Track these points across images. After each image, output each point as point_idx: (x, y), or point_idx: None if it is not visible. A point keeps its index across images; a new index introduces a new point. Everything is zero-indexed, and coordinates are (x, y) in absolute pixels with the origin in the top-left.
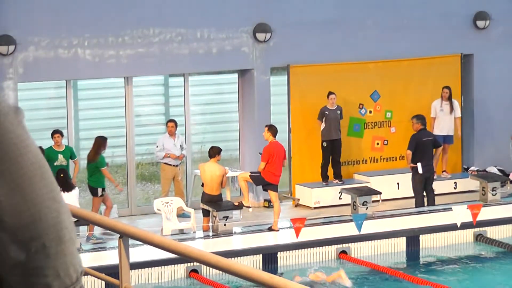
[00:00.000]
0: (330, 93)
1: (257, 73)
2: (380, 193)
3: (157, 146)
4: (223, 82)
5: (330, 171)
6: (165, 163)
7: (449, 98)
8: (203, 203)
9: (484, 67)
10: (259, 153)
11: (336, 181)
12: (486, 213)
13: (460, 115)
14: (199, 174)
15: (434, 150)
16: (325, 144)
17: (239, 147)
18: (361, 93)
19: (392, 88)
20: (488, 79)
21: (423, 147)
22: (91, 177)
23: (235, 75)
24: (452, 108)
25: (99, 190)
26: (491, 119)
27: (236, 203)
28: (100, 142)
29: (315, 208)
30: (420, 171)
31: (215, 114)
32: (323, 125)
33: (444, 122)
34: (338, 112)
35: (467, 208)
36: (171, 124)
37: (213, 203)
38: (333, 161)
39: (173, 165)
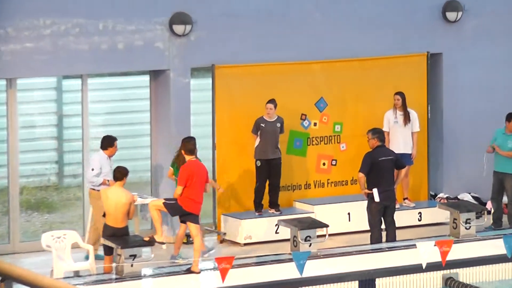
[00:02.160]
0: (268, 101)
1: (174, 74)
2: (327, 226)
3: (92, 169)
4: (131, 86)
5: (266, 198)
6: (93, 188)
7: (404, 107)
8: (105, 238)
9: (455, 68)
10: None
11: (272, 210)
12: (458, 251)
13: (418, 129)
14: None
15: (397, 172)
16: (259, 163)
17: (150, 168)
18: (303, 100)
19: (342, 95)
20: (460, 83)
21: (380, 168)
22: None
23: (147, 77)
24: (408, 120)
25: None
26: (464, 133)
27: (147, 238)
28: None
29: (245, 244)
30: (376, 198)
31: (121, 126)
32: (258, 141)
33: (398, 137)
34: (278, 125)
35: (435, 245)
36: (116, 143)
37: (118, 238)
38: (269, 186)
39: (97, 190)
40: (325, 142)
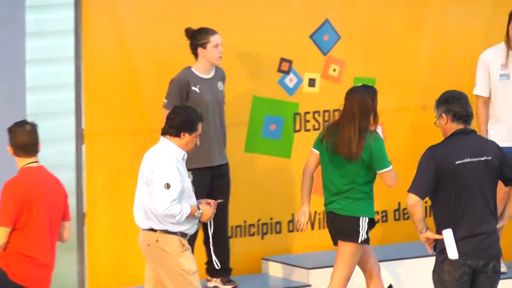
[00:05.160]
0: (209, 30)
1: None
2: None
3: (168, 186)
4: None
5: (200, 252)
6: (171, 231)
7: None
8: None
9: None
10: None
11: (216, 281)
12: None
13: None
14: None
15: (505, 191)
16: (190, 177)
17: None
18: (284, 29)
19: (372, 18)
20: None
21: (460, 183)
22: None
23: None
24: None
25: (363, 220)
26: None
27: None
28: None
29: None
30: (452, 254)
31: None
32: None
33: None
34: (221, 86)
35: None
36: (200, 126)
37: None
38: (209, 226)
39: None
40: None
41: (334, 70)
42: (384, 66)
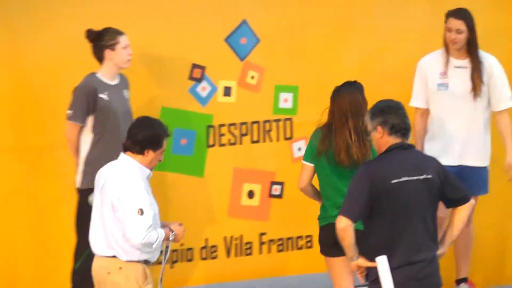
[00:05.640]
0: (117, 30)
1: None
2: None
3: (141, 212)
4: None
5: None
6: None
7: (470, 48)
8: None
9: None
10: None
11: None
12: None
13: (509, 104)
14: None
15: (444, 213)
16: (91, 198)
17: None
18: (196, 31)
19: (295, 19)
20: None
21: (396, 204)
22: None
23: None
24: (480, 80)
25: None
26: None
27: None
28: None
29: None
30: (386, 284)
31: None
32: (90, 139)
33: (451, 125)
34: (126, 93)
35: None
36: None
37: None
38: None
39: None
40: (254, 139)
41: (253, 77)
42: (308, 72)
